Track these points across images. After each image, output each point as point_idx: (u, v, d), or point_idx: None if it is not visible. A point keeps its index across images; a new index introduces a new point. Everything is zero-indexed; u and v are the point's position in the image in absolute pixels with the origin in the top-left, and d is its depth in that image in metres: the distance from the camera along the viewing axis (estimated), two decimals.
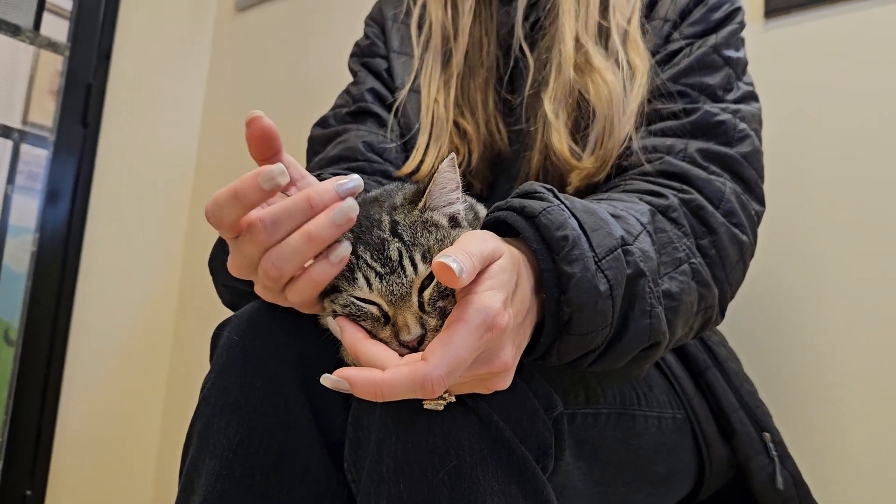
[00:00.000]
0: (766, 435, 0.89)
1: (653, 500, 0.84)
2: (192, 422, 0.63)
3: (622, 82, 0.82)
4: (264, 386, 0.60)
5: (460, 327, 0.47)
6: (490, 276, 0.49)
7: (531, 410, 0.58)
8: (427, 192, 0.56)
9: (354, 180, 0.50)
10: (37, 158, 1.89)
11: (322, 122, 1.01)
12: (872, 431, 1.09)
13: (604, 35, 0.86)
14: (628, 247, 0.59)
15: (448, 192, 0.58)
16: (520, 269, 0.53)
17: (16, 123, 1.87)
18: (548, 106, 0.83)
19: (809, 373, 1.15)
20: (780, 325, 1.18)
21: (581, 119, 0.84)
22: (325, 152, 0.95)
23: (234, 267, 0.53)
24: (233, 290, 0.74)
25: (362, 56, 1.06)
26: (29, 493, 1.80)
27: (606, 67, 0.82)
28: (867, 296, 1.11)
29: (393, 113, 0.97)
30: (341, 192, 0.50)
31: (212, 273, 0.74)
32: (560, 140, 0.82)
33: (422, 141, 0.91)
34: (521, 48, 0.92)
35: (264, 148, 0.52)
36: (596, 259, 0.55)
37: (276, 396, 0.60)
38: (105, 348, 1.97)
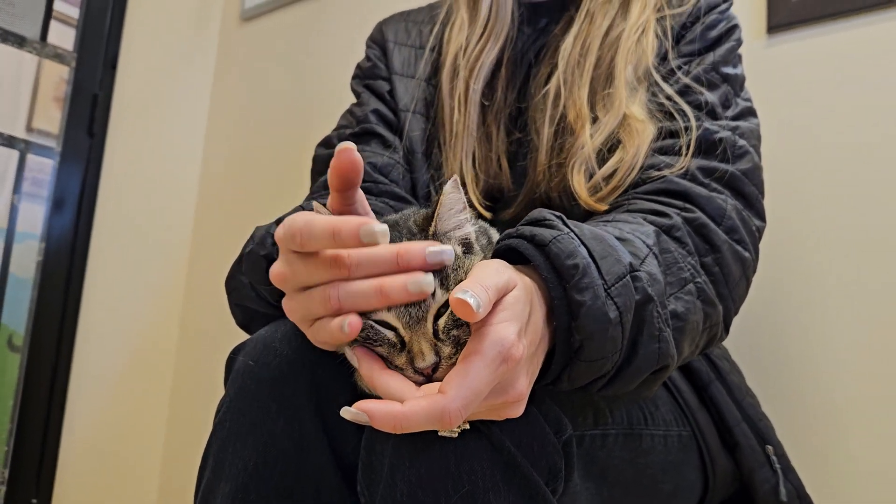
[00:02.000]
0: (769, 448, 0.90)
1: None
2: (207, 444, 0.64)
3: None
4: (280, 410, 0.61)
5: (477, 360, 0.48)
6: (504, 308, 0.50)
7: (542, 435, 0.59)
8: (435, 216, 0.57)
9: (447, 254, 0.51)
10: (41, 165, 1.90)
11: (326, 143, 1.02)
12: (876, 445, 1.10)
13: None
14: (636, 272, 0.60)
15: (456, 214, 0.58)
16: (532, 298, 0.55)
17: (20, 132, 1.88)
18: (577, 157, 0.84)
19: (811, 386, 1.16)
20: (782, 339, 1.19)
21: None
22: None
23: (279, 277, 0.54)
24: (246, 311, 0.75)
25: (364, 78, 1.07)
26: (35, 501, 1.81)
27: (641, 115, 0.83)
28: (869, 310, 1.13)
29: (398, 134, 0.98)
30: (430, 261, 0.51)
31: (228, 292, 0.75)
32: (581, 186, 0.82)
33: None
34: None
35: (346, 180, 0.52)
36: (605, 286, 0.57)
37: (291, 420, 0.61)
38: (110, 356, 1.98)
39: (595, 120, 0.85)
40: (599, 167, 0.82)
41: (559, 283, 0.56)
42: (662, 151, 0.83)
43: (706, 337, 0.74)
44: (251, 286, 0.73)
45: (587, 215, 0.84)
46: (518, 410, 0.53)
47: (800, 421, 1.15)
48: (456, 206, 0.58)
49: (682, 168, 0.80)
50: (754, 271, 0.82)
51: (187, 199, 2.18)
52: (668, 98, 0.85)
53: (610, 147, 0.83)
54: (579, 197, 0.82)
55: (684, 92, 0.86)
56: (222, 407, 0.64)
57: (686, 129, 0.83)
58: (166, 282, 2.13)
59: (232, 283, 0.75)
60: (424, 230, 0.58)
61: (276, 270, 0.54)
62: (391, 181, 0.93)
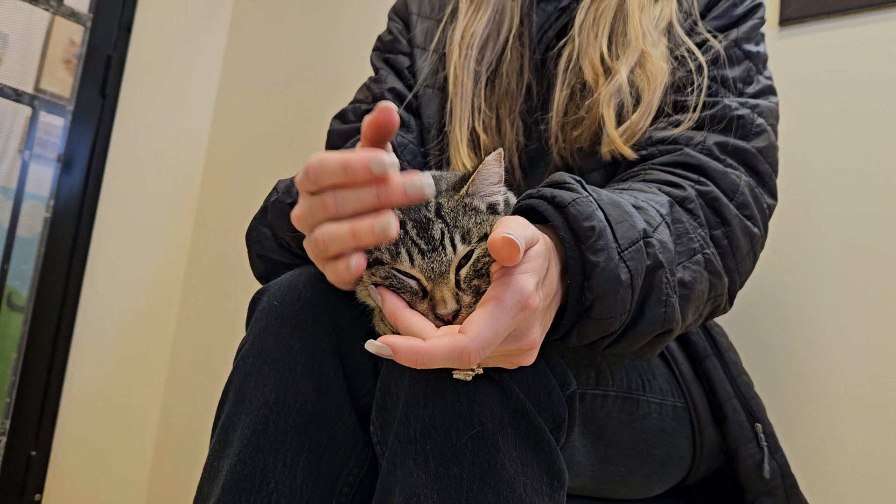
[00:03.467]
0: (758, 426, 0.93)
1: (647, 483, 0.89)
2: (228, 380, 0.67)
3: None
4: (301, 349, 0.64)
5: (497, 306, 0.51)
6: (527, 260, 0.53)
7: (549, 386, 0.62)
8: (471, 180, 0.60)
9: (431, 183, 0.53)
10: (50, 126, 1.92)
11: (342, 116, 1.03)
12: (867, 430, 1.14)
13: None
14: (649, 238, 0.63)
15: (490, 185, 0.61)
16: (551, 255, 0.58)
17: (29, 89, 1.90)
18: (603, 101, 0.86)
19: (807, 370, 1.19)
20: (781, 323, 1.22)
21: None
22: (343, 148, 0.98)
23: (297, 218, 0.56)
24: (267, 262, 0.77)
25: (384, 51, 1.07)
26: (34, 453, 1.84)
27: (658, 55, 0.86)
28: (868, 297, 1.16)
29: (412, 113, 1.00)
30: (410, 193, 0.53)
31: (248, 244, 0.78)
32: (611, 119, 0.85)
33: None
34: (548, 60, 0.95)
35: (380, 133, 0.54)
36: (619, 250, 0.60)
37: (312, 360, 0.64)
38: (114, 314, 2.01)
39: (611, 72, 0.87)
40: (621, 110, 0.85)
41: (575, 243, 0.59)
42: (682, 124, 0.86)
43: (710, 306, 0.76)
44: (273, 236, 0.76)
45: (601, 180, 0.87)
46: (530, 359, 0.56)
47: (793, 403, 1.19)
48: (492, 178, 0.61)
49: (699, 142, 0.83)
50: (762, 247, 0.85)
51: (196, 163, 2.20)
52: (689, 52, 0.88)
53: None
54: (608, 134, 0.84)
55: (707, 67, 0.88)
56: (245, 344, 0.67)
57: (706, 104, 0.85)
58: (172, 244, 2.16)
59: (254, 235, 0.78)
60: (457, 190, 0.61)
61: (295, 212, 0.56)
62: (403, 160, 0.95)
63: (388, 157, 0.51)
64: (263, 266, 0.79)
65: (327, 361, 0.65)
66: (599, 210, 0.60)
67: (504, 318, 0.51)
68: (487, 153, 1.00)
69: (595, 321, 0.59)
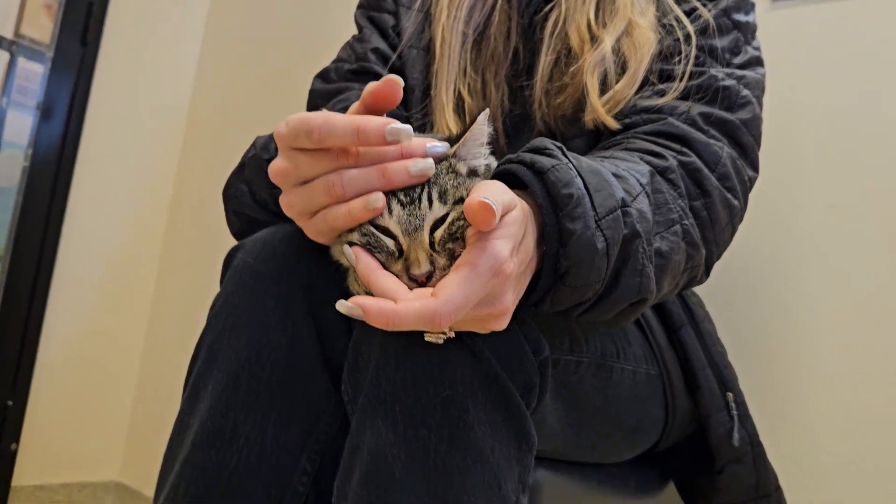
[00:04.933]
0: (730, 395, 0.95)
1: (619, 449, 0.90)
2: (201, 336, 0.67)
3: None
4: (275, 307, 0.64)
5: (471, 270, 0.51)
6: (503, 226, 0.53)
7: (521, 352, 0.63)
8: (462, 140, 0.59)
9: (443, 146, 0.55)
10: (27, 73, 1.88)
11: (324, 75, 1.01)
12: (837, 402, 1.16)
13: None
14: (627, 208, 0.62)
15: (479, 146, 0.60)
16: (527, 221, 0.57)
17: (8, 34, 1.85)
18: (587, 69, 0.85)
19: (781, 342, 1.21)
20: (757, 295, 1.24)
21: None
22: (326, 108, 0.96)
23: (280, 172, 0.56)
24: (243, 218, 0.77)
25: (369, 9, 1.05)
26: (10, 403, 1.84)
27: (645, 24, 0.85)
28: (844, 271, 1.17)
29: (397, 73, 0.98)
30: (430, 152, 0.55)
31: (225, 200, 0.77)
32: (594, 88, 0.84)
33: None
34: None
35: (379, 106, 0.55)
36: (597, 218, 0.59)
37: (285, 318, 0.64)
38: (92, 265, 2.00)
39: (597, 40, 0.86)
40: (605, 79, 0.84)
41: (553, 210, 0.58)
42: (666, 94, 0.85)
43: (687, 277, 0.77)
44: (251, 193, 0.75)
45: (583, 147, 0.86)
46: (502, 324, 0.56)
47: (764, 374, 1.21)
48: (482, 137, 0.60)
49: (683, 112, 0.82)
50: (741, 220, 0.85)
51: (178, 113, 2.17)
52: (677, 20, 0.87)
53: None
54: (591, 102, 0.83)
55: (695, 36, 0.87)
56: (218, 301, 0.66)
57: (692, 73, 0.84)
58: (152, 194, 2.13)
59: (230, 191, 0.77)
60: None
61: (276, 166, 0.56)
62: None
63: (405, 127, 0.52)
64: (240, 223, 0.78)
65: (300, 319, 0.65)
66: (579, 177, 0.60)
67: (477, 283, 0.50)
68: (472, 117, 0.98)
69: (569, 288, 0.59)
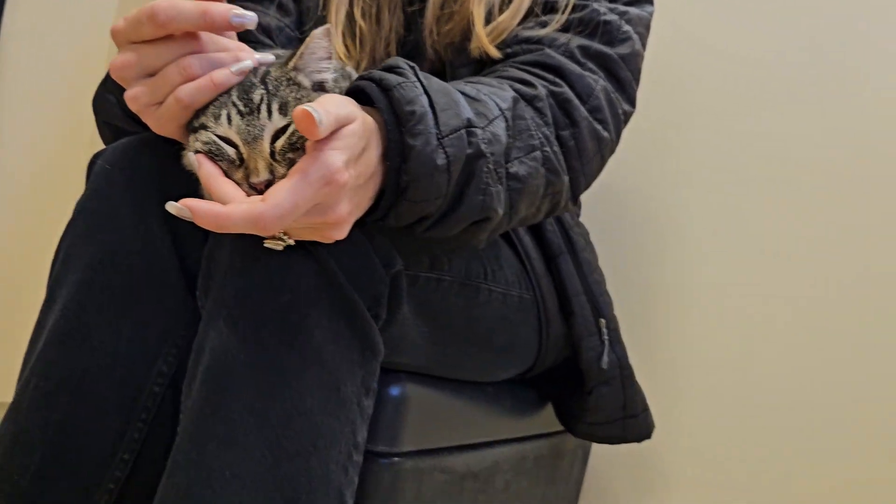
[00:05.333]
0: (602, 321, 1.00)
1: (492, 368, 0.95)
2: (60, 239, 0.68)
3: None
4: (130, 213, 0.66)
5: (301, 178, 0.52)
6: (339, 138, 0.55)
7: (369, 264, 0.65)
8: (298, 53, 0.61)
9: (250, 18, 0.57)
10: None
11: None
12: (712, 330, 1.24)
13: None
14: (474, 129, 0.65)
15: (318, 60, 0.62)
16: (370, 136, 0.59)
17: None
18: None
19: (659, 276, 1.28)
20: (644, 233, 1.29)
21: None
22: None
23: (123, 65, 0.57)
24: (113, 129, 0.77)
25: None
26: None
27: None
28: (731, 211, 1.24)
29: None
30: (234, 21, 0.56)
31: (95, 112, 0.77)
32: (480, 18, 0.85)
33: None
34: None
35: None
36: (439, 136, 0.61)
37: (140, 223, 0.66)
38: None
39: None
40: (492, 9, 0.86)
41: (397, 126, 0.60)
42: (547, 25, 0.86)
43: (548, 202, 0.80)
44: (118, 103, 0.75)
45: (469, 76, 0.88)
46: (339, 233, 0.59)
47: (643, 305, 1.28)
48: (320, 52, 0.62)
49: (562, 45, 0.84)
50: (612, 152, 0.88)
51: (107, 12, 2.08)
52: None
53: None
54: (476, 32, 0.84)
55: None
56: (78, 205, 0.68)
57: (575, 6, 0.86)
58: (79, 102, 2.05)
59: (99, 102, 0.77)
60: (286, 64, 0.61)
61: (118, 62, 0.57)
62: (276, 44, 0.93)
63: (250, 13, 0.55)
64: (111, 133, 0.78)
65: (156, 227, 0.66)
66: (425, 96, 0.62)
67: (306, 189, 0.52)
68: (364, 44, 0.97)
69: (410, 203, 0.62)
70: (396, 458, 0.84)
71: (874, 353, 1.15)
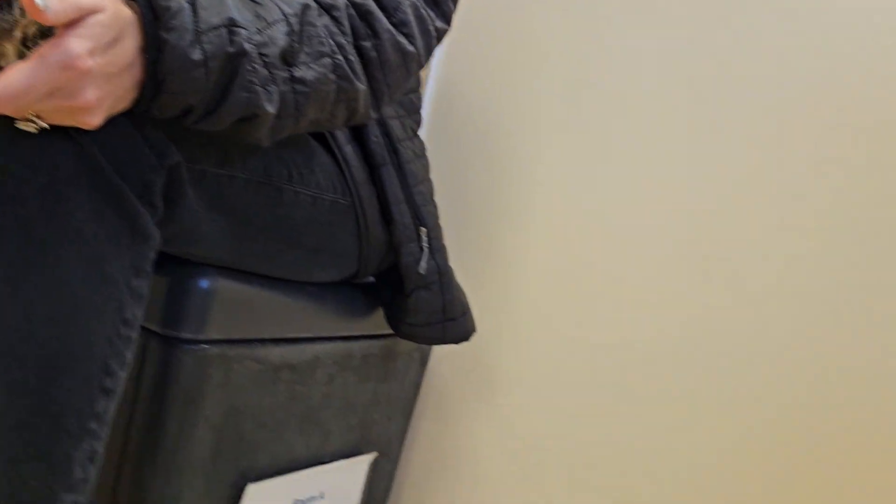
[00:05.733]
0: (423, 229, 1.06)
1: (306, 267, 1.00)
2: None
3: None
4: None
5: (38, 61, 0.56)
6: (83, 27, 0.58)
7: (138, 152, 0.69)
8: None
9: None
10: None
11: None
12: (539, 254, 1.32)
13: None
14: (237, 28, 0.68)
15: None
16: (125, 27, 0.62)
17: None
18: None
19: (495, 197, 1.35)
20: (480, 152, 1.35)
21: None
22: None
23: None
24: None
25: None
26: None
27: None
28: (572, 141, 1.30)
29: None
30: None
31: None
32: None
33: None
34: None
35: None
36: (197, 31, 0.65)
37: None
38: None
39: None
40: None
41: (154, 20, 0.64)
42: None
43: (344, 108, 0.83)
44: None
45: None
46: (92, 118, 0.62)
47: (480, 213, 1.35)
48: None
49: None
50: (420, 66, 0.92)
51: None
52: None
53: None
54: None
55: None
56: None
57: None
58: None
59: None
60: None
61: None
62: None
63: None
64: None
65: None
66: None
67: (42, 72, 0.56)
68: None
69: (169, 95, 0.66)
70: (204, 346, 0.90)
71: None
